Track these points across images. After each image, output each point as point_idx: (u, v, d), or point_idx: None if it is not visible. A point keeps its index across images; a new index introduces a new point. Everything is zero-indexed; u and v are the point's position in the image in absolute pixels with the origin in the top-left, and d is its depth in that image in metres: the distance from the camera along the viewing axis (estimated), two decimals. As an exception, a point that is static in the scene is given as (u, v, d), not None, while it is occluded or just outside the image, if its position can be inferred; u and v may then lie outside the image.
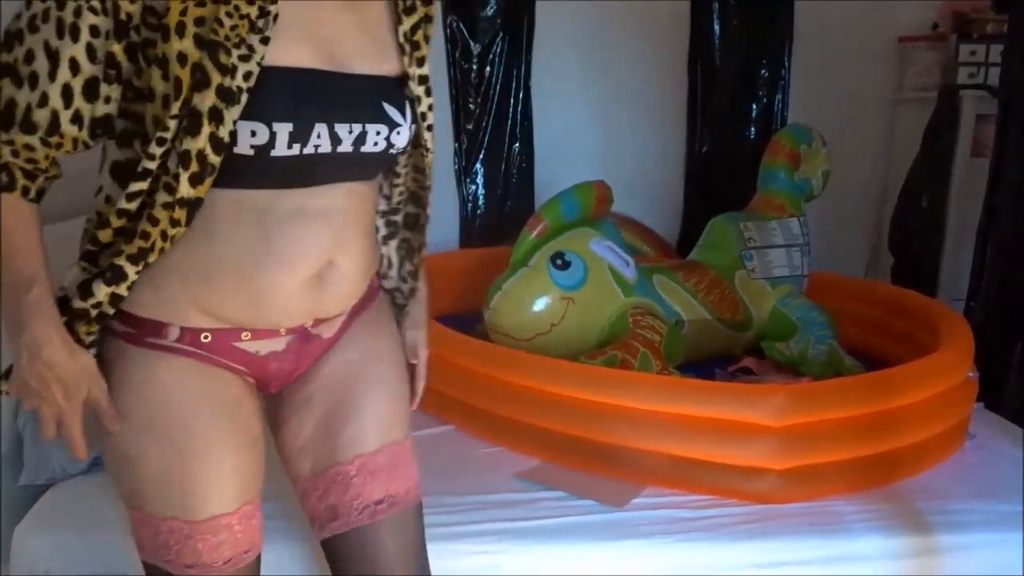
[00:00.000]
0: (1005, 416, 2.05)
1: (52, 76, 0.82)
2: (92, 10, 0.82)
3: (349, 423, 1.07)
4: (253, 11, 0.85)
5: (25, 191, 0.87)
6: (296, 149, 0.88)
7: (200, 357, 0.97)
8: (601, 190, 2.27)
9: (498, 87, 3.24)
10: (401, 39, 0.99)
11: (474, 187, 3.33)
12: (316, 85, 0.89)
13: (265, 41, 0.85)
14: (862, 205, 3.43)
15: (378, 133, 0.94)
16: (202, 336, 0.95)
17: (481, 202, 3.34)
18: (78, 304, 0.90)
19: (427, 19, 1.03)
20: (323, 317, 1.03)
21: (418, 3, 1.02)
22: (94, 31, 0.83)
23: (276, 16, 0.87)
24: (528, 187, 3.36)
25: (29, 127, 0.83)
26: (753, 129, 3.36)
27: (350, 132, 0.91)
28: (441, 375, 1.56)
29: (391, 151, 0.98)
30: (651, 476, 1.69)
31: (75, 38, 0.82)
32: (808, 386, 1.81)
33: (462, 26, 3.17)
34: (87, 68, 0.84)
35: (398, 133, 0.96)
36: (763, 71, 3.31)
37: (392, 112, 0.95)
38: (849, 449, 1.65)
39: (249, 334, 0.97)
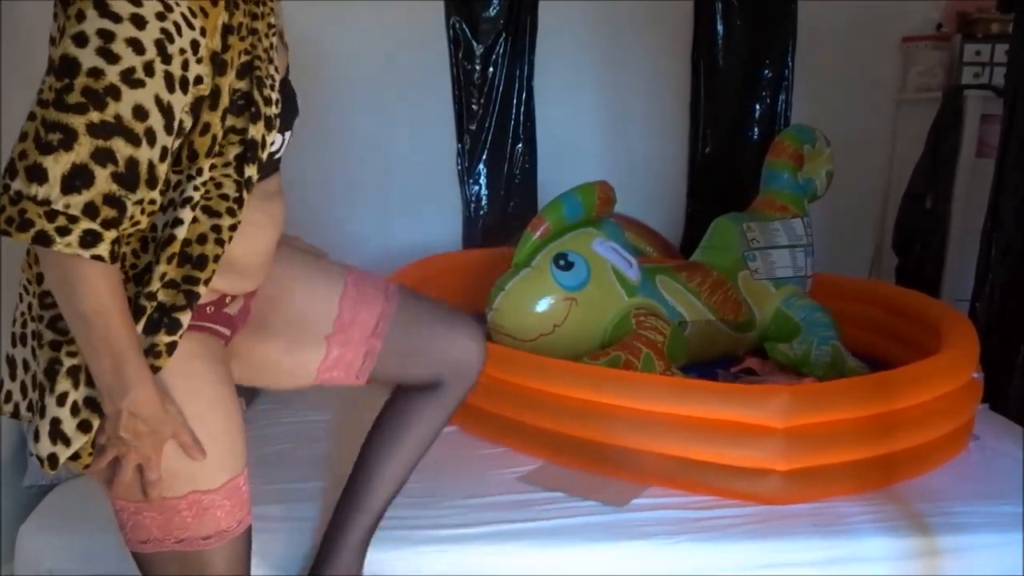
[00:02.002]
0: (1010, 417, 2.04)
1: (168, 129, 0.83)
2: (199, 61, 0.83)
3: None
4: (267, 43, 0.95)
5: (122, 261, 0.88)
6: (283, 148, 1.04)
7: (200, 329, 1.01)
8: (604, 190, 2.26)
9: (501, 87, 3.23)
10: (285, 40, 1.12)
11: (477, 187, 3.33)
12: (286, 92, 1.03)
13: (276, 69, 0.97)
14: (865, 206, 3.43)
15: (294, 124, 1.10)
16: (207, 309, 1.02)
17: (484, 202, 3.33)
18: (163, 340, 0.92)
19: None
20: None
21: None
22: (197, 80, 0.85)
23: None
24: (531, 187, 3.36)
25: (153, 183, 0.83)
26: (756, 129, 3.36)
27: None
28: (444, 376, 1.56)
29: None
30: (654, 477, 1.69)
31: (184, 90, 0.83)
32: (812, 387, 1.81)
33: (465, 27, 3.16)
34: (180, 115, 0.85)
35: (298, 121, 1.10)
36: (766, 71, 3.31)
37: (298, 104, 1.10)
38: (853, 450, 1.65)
39: (230, 298, 1.07)
